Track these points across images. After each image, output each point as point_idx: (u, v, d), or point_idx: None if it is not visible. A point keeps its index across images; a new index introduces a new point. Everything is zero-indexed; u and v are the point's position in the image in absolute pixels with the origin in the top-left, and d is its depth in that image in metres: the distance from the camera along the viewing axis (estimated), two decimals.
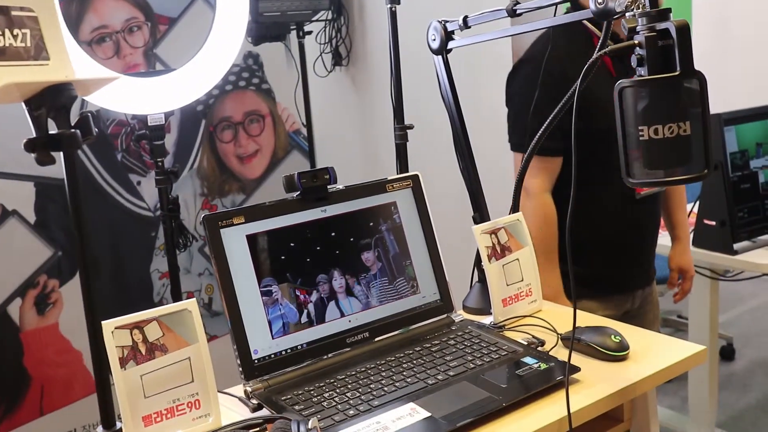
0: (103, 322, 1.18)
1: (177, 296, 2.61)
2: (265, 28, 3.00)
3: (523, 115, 1.95)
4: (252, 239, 1.47)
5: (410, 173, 1.66)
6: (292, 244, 1.50)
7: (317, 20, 3.07)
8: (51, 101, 0.80)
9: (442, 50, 1.80)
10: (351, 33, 3.11)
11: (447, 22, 1.77)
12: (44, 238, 2.81)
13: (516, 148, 2.08)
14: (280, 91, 3.31)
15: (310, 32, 3.08)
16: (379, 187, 1.62)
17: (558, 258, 2.02)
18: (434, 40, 1.80)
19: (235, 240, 1.46)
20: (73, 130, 0.82)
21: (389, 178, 1.64)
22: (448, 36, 1.78)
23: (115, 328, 1.21)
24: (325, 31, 3.10)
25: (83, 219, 0.93)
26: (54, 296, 2.87)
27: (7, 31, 0.81)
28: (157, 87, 2.13)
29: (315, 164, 3.18)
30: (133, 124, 2.78)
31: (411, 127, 2.21)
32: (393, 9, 2.15)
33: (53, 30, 0.87)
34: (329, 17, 3.08)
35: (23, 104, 0.82)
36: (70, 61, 0.86)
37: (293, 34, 3.07)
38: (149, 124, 2.13)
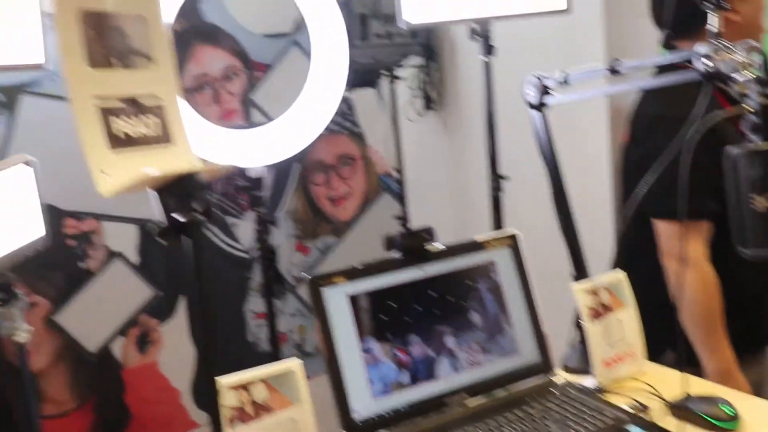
0: (218, 380, 1.20)
1: (275, 341, 2.65)
2: (357, 75, 3.05)
3: (672, 178, 1.78)
4: (353, 299, 1.49)
5: (508, 232, 1.66)
6: (392, 304, 1.52)
7: (409, 66, 3.11)
8: (179, 189, 0.84)
9: (540, 105, 1.79)
10: (442, 77, 3.14)
11: (544, 77, 1.77)
12: (146, 279, 2.91)
13: (665, 215, 1.88)
14: (371, 135, 3.36)
15: (401, 77, 3.11)
16: (477, 246, 1.62)
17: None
18: (531, 94, 1.79)
19: (337, 300, 1.48)
20: (199, 216, 0.86)
21: (487, 236, 1.63)
22: (545, 91, 1.77)
23: (226, 388, 1.24)
24: (416, 76, 3.13)
25: (206, 296, 0.96)
26: (154, 335, 2.96)
27: (137, 120, 0.85)
28: (259, 140, 2.20)
29: (406, 207, 3.20)
30: (233, 172, 2.85)
31: (506, 178, 2.21)
32: (487, 60, 2.16)
33: (177, 117, 0.91)
34: (420, 63, 3.11)
35: (151, 190, 0.86)
36: (192, 148, 0.91)
37: (385, 80, 3.11)
38: (250, 176, 2.19)
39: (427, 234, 1.58)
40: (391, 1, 2.68)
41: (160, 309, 2.96)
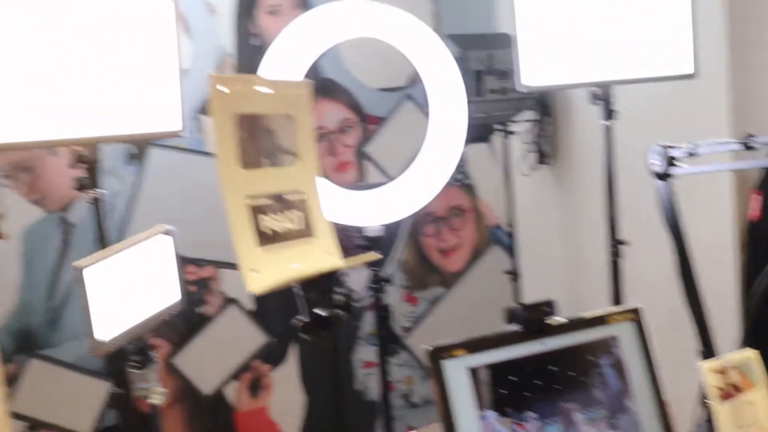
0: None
1: (385, 388, 2.66)
2: (471, 130, 3.07)
3: None
4: (473, 372, 1.48)
5: (632, 306, 1.62)
6: (512, 378, 1.50)
7: (522, 120, 3.10)
8: (321, 284, 0.87)
9: (665, 175, 1.75)
10: (556, 132, 3.11)
11: (670, 147, 1.74)
12: (260, 325, 2.98)
13: None
14: (482, 187, 3.36)
15: (515, 132, 3.11)
16: (599, 320, 1.59)
17: None
18: (656, 164, 1.76)
19: (457, 372, 1.48)
20: (340, 312, 0.88)
21: (610, 311, 1.60)
22: (670, 161, 1.74)
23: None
24: (530, 130, 3.12)
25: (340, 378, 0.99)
26: (266, 380, 3.03)
27: (282, 216, 0.89)
28: (378, 200, 2.24)
29: (516, 261, 3.17)
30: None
31: (625, 242, 2.16)
32: (608, 125, 2.14)
33: (319, 210, 0.94)
34: (535, 117, 3.10)
35: (296, 285, 0.89)
36: (334, 239, 0.93)
37: (498, 134, 3.12)
38: (367, 235, 2.22)
39: (548, 307, 1.57)
40: (506, 57, 2.70)
41: (272, 355, 3.02)
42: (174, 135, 1.68)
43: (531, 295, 3.22)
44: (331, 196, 2.22)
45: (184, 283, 1.44)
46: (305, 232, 0.93)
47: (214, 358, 2.94)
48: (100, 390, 2.65)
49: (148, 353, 1.38)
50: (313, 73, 2.99)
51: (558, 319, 1.55)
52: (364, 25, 2.31)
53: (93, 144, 1.61)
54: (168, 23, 1.69)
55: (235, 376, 2.98)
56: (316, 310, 0.88)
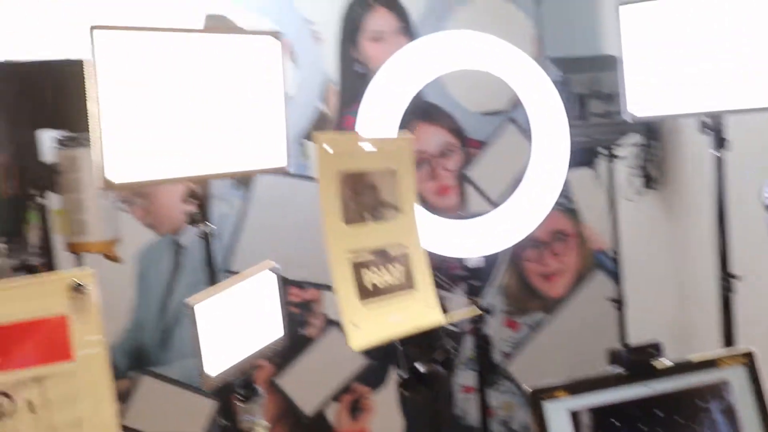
0: None
1: (484, 414, 2.65)
2: (575, 154, 3.02)
3: None
4: (575, 415, 1.46)
5: (744, 349, 1.56)
6: (615, 422, 1.47)
7: (628, 144, 3.03)
8: (422, 340, 0.88)
9: None
10: (664, 156, 3.02)
11: None
12: None
13: None
14: (586, 211, 3.30)
15: (620, 156, 3.04)
16: (708, 363, 1.53)
17: None
18: None
19: (558, 415, 1.46)
20: (440, 369, 0.89)
21: (720, 354, 1.55)
22: None
23: None
24: (636, 154, 3.04)
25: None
26: (366, 403, 3.06)
27: (384, 270, 0.90)
28: (477, 230, 2.23)
29: (621, 289, 3.09)
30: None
31: (738, 278, 2.08)
32: (719, 155, 2.06)
33: (421, 263, 0.95)
34: (641, 141, 3.02)
35: (398, 342, 0.90)
36: (434, 292, 0.94)
37: (602, 158, 3.05)
38: (469, 266, 2.22)
39: (654, 349, 1.53)
40: (611, 80, 2.64)
41: (373, 378, 3.05)
42: (280, 170, 1.73)
43: (635, 324, 3.13)
44: (432, 227, 2.22)
45: (287, 318, 1.48)
46: (406, 285, 0.94)
47: (315, 378, 2.99)
48: (206, 407, 2.74)
49: (253, 387, 1.42)
50: (417, 97, 3.03)
51: (665, 362, 1.51)
52: (466, 57, 2.32)
53: (204, 181, 1.68)
54: (275, 63, 1.74)
55: (336, 397, 3.02)
56: (416, 365, 0.89)
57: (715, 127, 2.09)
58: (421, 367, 0.88)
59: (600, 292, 3.25)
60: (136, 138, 1.55)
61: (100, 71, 1.46)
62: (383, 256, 0.92)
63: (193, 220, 1.73)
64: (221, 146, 1.67)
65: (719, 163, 2.09)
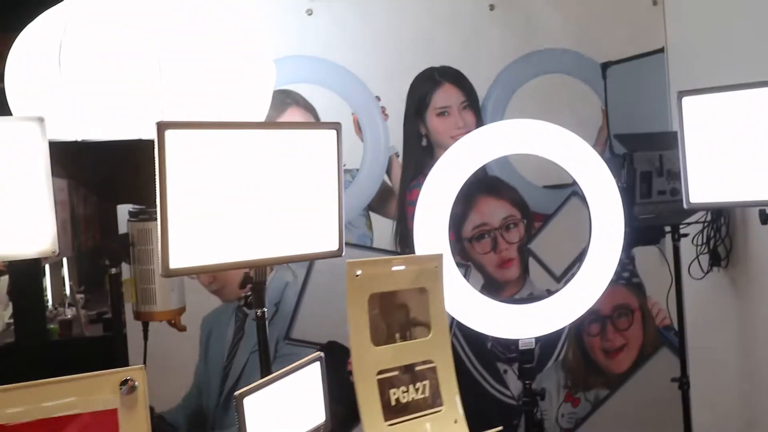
0: None
1: None
2: (640, 232, 2.99)
3: None
4: None
5: None
6: None
7: (695, 222, 2.99)
8: None
9: None
10: (731, 234, 2.97)
11: None
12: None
13: None
14: (651, 286, 3.25)
15: (686, 235, 3.00)
16: None
17: None
18: None
19: None
20: None
21: None
22: None
23: None
24: (702, 232, 3.00)
25: None
26: None
27: (411, 387, 0.94)
28: (534, 313, 2.24)
29: (687, 370, 3.02)
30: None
31: None
32: None
33: (449, 377, 0.98)
34: (707, 218, 2.98)
35: None
36: (460, 406, 0.97)
37: (668, 236, 3.02)
38: (520, 348, 2.23)
39: None
40: (676, 157, 2.62)
41: None
42: (333, 255, 1.78)
43: (700, 405, 3.05)
44: (485, 310, 2.24)
45: (329, 404, 1.52)
46: (434, 402, 0.97)
47: None
48: None
49: None
50: (481, 171, 3.07)
51: None
52: (526, 142, 2.36)
53: (261, 266, 1.75)
54: (333, 153, 1.81)
55: None
56: None
57: None
58: None
59: (664, 369, 3.17)
60: (196, 226, 1.63)
61: (166, 165, 1.55)
62: (411, 373, 0.95)
63: (248, 304, 1.80)
64: (277, 233, 1.74)
65: None
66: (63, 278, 5.60)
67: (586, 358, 3.23)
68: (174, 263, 1.59)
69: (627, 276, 3.26)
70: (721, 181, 2.12)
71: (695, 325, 3.18)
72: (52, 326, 4.51)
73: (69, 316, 4.69)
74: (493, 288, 3.10)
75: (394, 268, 1.04)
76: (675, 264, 3.01)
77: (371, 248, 2.98)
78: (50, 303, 5.11)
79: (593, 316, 3.22)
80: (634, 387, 3.26)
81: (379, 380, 0.91)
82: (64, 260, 5.59)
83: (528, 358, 2.24)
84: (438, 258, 1.09)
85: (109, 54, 1.91)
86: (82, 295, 4.93)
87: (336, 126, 1.82)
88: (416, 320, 0.97)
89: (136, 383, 1.21)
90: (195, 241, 1.63)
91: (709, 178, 2.14)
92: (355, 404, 2.86)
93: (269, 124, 1.79)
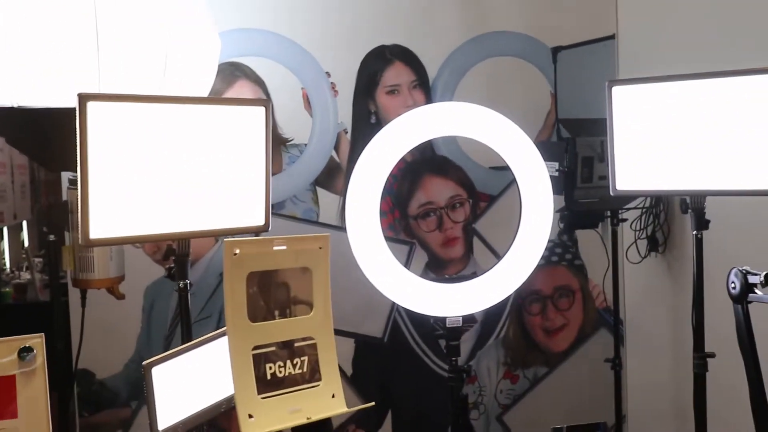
0: None
1: None
2: (580, 216, 3.06)
3: None
4: None
5: None
6: None
7: (634, 207, 3.06)
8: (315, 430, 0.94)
9: (742, 300, 1.71)
10: (669, 220, 3.04)
11: (751, 273, 1.70)
12: (357, 390, 3.08)
13: None
14: (592, 268, 3.32)
15: (625, 220, 3.06)
16: None
17: None
18: (734, 287, 1.73)
19: None
20: None
21: None
22: (749, 287, 1.70)
23: None
24: (641, 218, 3.06)
25: None
26: None
27: (288, 362, 0.98)
28: (463, 292, 2.30)
29: (620, 347, 3.10)
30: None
31: (712, 355, 2.10)
32: (699, 236, 2.09)
33: (329, 353, 1.02)
34: (646, 204, 3.04)
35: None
36: (339, 382, 1.01)
37: (608, 221, 3.09)
38: (447, 325, 2.28)
39: (601, 428, 1.57)
40: None
41: (368, 420, 3.11)
42: (260, 230, 1.82)
43: (633, 386, 3.14)
44: (414, 287, 2.29)
45: None
46: (312, 377, 1.01)
47: None
48: None
49: None
50: (429, 151, 3.11)
51: None
52: (466, 126, 2.40)
53: (183, 239, 1.78)
54: (262, 129, 1.84)
55: None
56: None
57: (695, 208, 2.12)
58: None
59: (602, 349, 3.26)
60: (119, 197, 1.66)
61: (88, 137, 1.57)
62: (289, 349, 0.99)
63: (170, 276, 1.84)
64: (201, 206, 1.77)
65: (699, 245, 2.12)
66: (22, 242, 5.58)
67: (526, 336, 3.31)
68: (94, 233, 1.62)
69: (569, 258, 3.33)
70: (648, 169, 2.18)
71: (632, 307, 3.27)
72: (6, 289, 4.50)
73: (24, 280, 4.68)
74: (437, 266, 3.15)
75: (276, 248, 1.08)
76: (613, 248, 3.08)
77: (317, 223, 3.02)
78: (8, 266, 5.10)
79: (534, 295, 3.29)
80: (573, 366, 3.34)
81: (254, 355, 0.95)
82: (24, 223, 5.57)
83: (454, 335, 2.30)
84: (324, 239, 1.13)
85: (46, 19, 1.92)
86: (40, 259, 4.92)
87: (264, 103, 1.84)
88: (297, 299, 1.02)
89: (35, 351, 1.24)
90: (116, 212, 1.65)
91: (636, 166, 2.20)
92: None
93: (195, 99, 1.81)
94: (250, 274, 0.99)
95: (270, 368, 0.99)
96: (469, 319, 2.37)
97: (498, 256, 3.21)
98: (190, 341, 1.64)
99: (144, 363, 1.43)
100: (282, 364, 0.99)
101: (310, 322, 1.02)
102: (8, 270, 5.05)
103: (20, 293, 4.52)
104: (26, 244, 5.62)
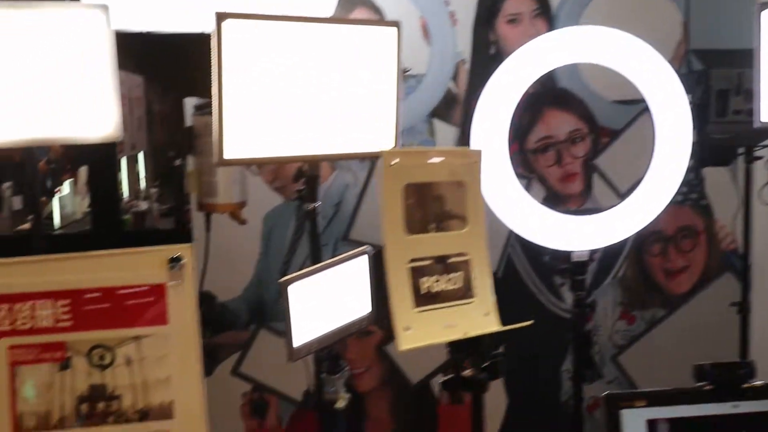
0: None
1: (577, 407, 2.63)
2: (711, 152, 2.90)
3: None
4: (652, 424, 1.46)
5: None
6: None
7: None
8: (471, 348, 0.92)
9: None
10: None
11: None
12: None
13: None
14: (719, 209, 3.17)
15: (760, 158, 2.89)
16: None
17: None
18: None
19: (635, 423, 1.46)
20: (483, 377, 0.93)
21: None
22: None
23: None
24: None
25: None
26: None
27: (443, 277, 0.95)
28: (592, 225, 2.22)
29: (747, 293, 2.96)
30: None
31: None
32: None
33: (483, 270, 0.99)
34: None
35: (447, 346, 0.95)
36: (493, 300, 0.98)
37: (741, 158, 2.92)
38: (573, 260, 2.22)
39: (745, 368, 1.49)
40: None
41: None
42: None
43: (759, 331, 3.00)
44: (540, 220, 2.23)
45: (376, 297, 1.55)
46: (465, 293, 0.98)
47: (423, 349, 3.06)
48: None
49: (338, 362, 1.51)
50: (550, 83, 3.00)
51: (754, 383, 1.47)
52: (596, 51, 2.28)
53: (314, 161, 1.77)
54: (392, 51, 1.80)
55: (442, 369, 3.09)
56: (464, 373, 0.94)
57: None
58: (466, 374, 0.92)
59: (725, 294, 3.12)
60: (252, 118, 1.65)
61: (223, 56, 1.57)
62: (444, 264, 0.96)
63: (300, 198, 1.83)
64: (332, 129, 1.75)
65: None
66: (137, 173, 5.79)
67: (645, 277, 3.20)
68: (228, 153, 1.62)
69: (695, 197, 3.18)
70: None
71: (762, 251, 3.10)
72: (126, 217, 4.67)
73: (142, 209, 4.85)
74: (554, 202, 3.06)
75: (432, 160, 1.04)
76: (746, 187, 2.92)
77: None
78: (126, 195, 5.29)
79: (656, 236, 3.17)
80: (693, 309, 3.22)
81: (411, 268, 0.93)
82: (140, 155, 5.76)
83: (581, 270, 2.23)
84: (477, 153, 1.09)
85: None
86: (156, 189, 5.08)
87: (396, 24, 1.79)
88: (452, 213, 0.98)
89: (184, 260, 1.26)
90: (249, 133, 1.66)
91: None
92: None
93: (329, 18, 1.79)
94: (406, 186, 0.96)
95: (425, 282, 0.97)
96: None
97: (619, 194, 3.10)
98: (318, 263, 1.64)
99: (281, 280, 1.44)
100: (437, 279, 0.97)
101: (465, 238, 0.99)
102: (126, 199, 5.23)
103: (139, 221, 4.70)
104: (142, 174, 5.82)
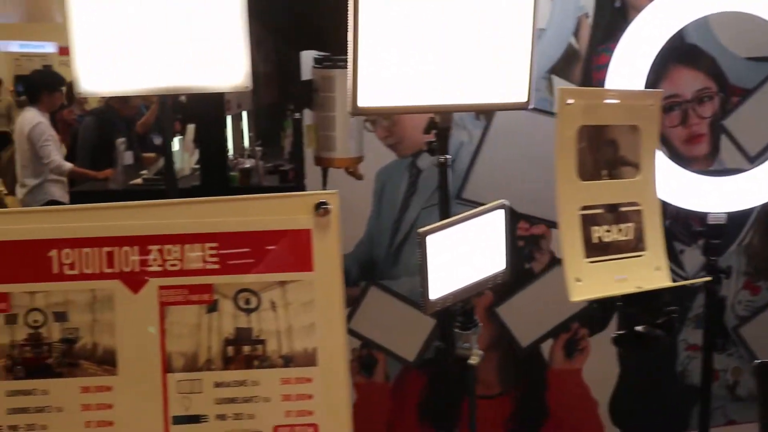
0: None
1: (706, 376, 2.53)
2: None
3: None
4: None
5: None
6: None
7: None
8: (645, 302, 0.86)
9: None
10: None
11: None
12: None
13: None
14: None
15: None
16: None
17: None
18: None
19: None
20: (658, 332, 0.87)
21: None
22: None
23: None
24: None
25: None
26: (583, 344, 3.04)
27: (614, 227, 0.89)
28: (727, 187, 2.10)
29: None
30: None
31: None
32: None
33: (654, 222, 0.93)
34: None
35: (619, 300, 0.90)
36: (665, 253, 0.92)
37: None
38: (709, 222, 2.10)
39: None
40: None
41: (593, 320, 3.01)
42: (521, 107, 1.72)
43: None
44: (676, 179, 2.12)
45: (511, 253, 1.50)
46: (637, 245, 0.92)
47: (534, 313, 3.01)
48: (425, 326, 2.87)
49: (473, 317, 1.47)
50: (677, 38, 2.84)
51: None
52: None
53: (446, 112, 1.72)
54: (527, 3, 1.72)
55: (553, 334, 3.03)
56: (636, 328, 0.88)
57: None
58: (639, 329, 0.87)
59: None
60: (387, 67, 1.61)
61: (360, 2, 1.53)
62: (615, 213, 0.90)
63: (431, 150, 1.79)
64: (466, 80, 1.69)
65: None
66: (242, 131, 5.86)
67: None
68: (362, 102, 1.59)
69: None
70: None
71: None
72: (233, 173, 4.75)
73: (248, 166, 4.92)
74: (678, 164, 2.92)
75: (607, 101, 0.98)
76: None
77: (551, 113, 2.87)
78: (231, 153, 5.37)
79: None
80: None
81: (582, 216, 0.88)
82: (244, 114, 5.83)
83: (717, 234, 2.12)
84: (657, 95, 1.02)
85: None
86: (260, 148, 5.15)
87: None
88: (625, 159, 0.92)
89: (331, 206, 1.24)
90: (383, 82, 1.62)
91: None
92: (521, 268, 2.88)
93: None
94: (581, 128, 0.90)
95: (596, 232, 0.92)
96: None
97: (749, 157, 2.93)
98: (448, 217, 1.60)
99: (420, 230, 1.41)
100: (608, 229, 0.91)
101: (637, 186, 0.93)
102: (231, 156, 5.32)
103: (245, 178, 4.77)
104: (246, 133, 5.90)
